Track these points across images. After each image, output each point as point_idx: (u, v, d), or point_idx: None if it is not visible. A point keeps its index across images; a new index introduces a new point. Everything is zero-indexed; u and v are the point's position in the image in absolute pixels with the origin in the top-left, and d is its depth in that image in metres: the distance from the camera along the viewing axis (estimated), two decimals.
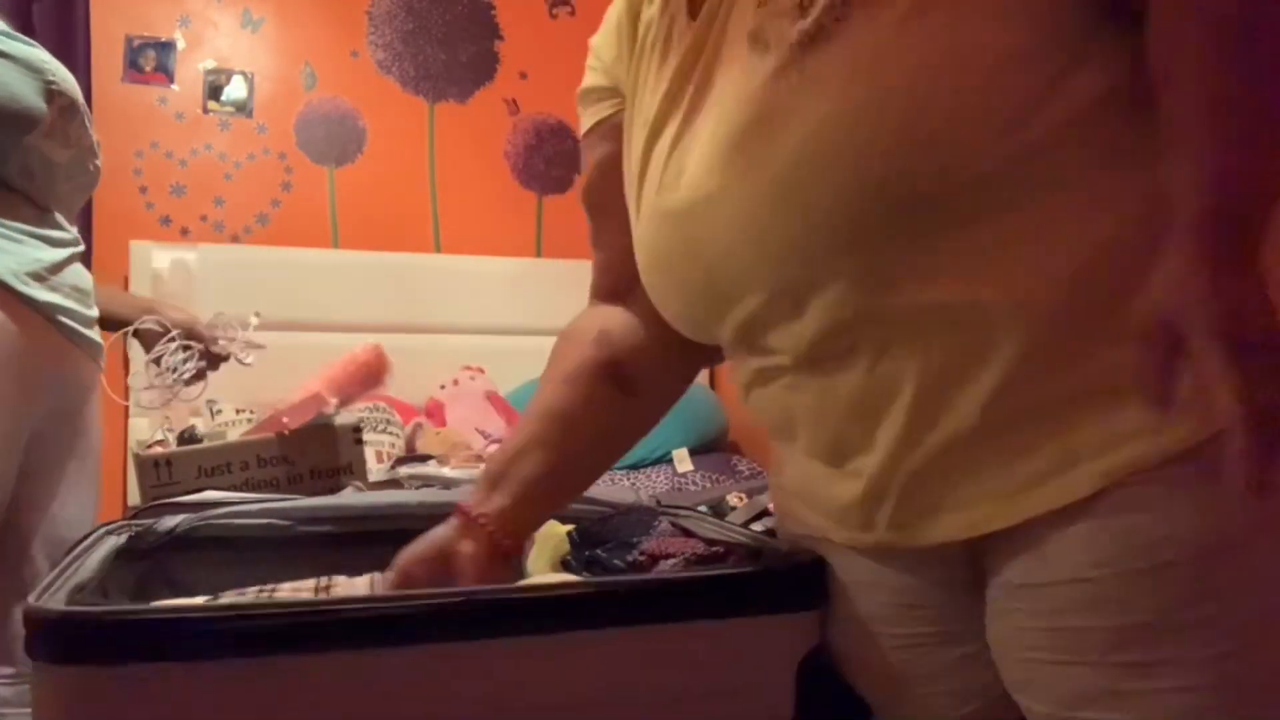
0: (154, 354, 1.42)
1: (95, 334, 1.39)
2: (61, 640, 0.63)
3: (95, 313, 1.40)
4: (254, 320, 1.57)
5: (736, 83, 0.73)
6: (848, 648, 0.83)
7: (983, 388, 0.66)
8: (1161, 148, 0.60)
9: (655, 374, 0.91)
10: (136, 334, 1.48)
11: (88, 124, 1.34)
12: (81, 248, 1.38)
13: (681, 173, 0.76)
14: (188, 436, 1.40)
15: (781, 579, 0.83)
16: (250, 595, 0.82)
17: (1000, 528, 0.68)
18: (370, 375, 1.66)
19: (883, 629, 0.79)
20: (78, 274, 1.35)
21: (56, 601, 0.66)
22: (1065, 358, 0.64)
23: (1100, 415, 0.63)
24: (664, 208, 0.78)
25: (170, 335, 1.43)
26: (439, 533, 0.84)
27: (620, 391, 0.90)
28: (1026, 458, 0.66)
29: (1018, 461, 0.66)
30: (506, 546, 0.84)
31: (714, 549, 0.90)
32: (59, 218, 1.34)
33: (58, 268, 1.29)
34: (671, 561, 0.89)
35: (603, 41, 0.91)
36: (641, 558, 0.91)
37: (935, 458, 0.69)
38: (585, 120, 0.93)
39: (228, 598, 0.82)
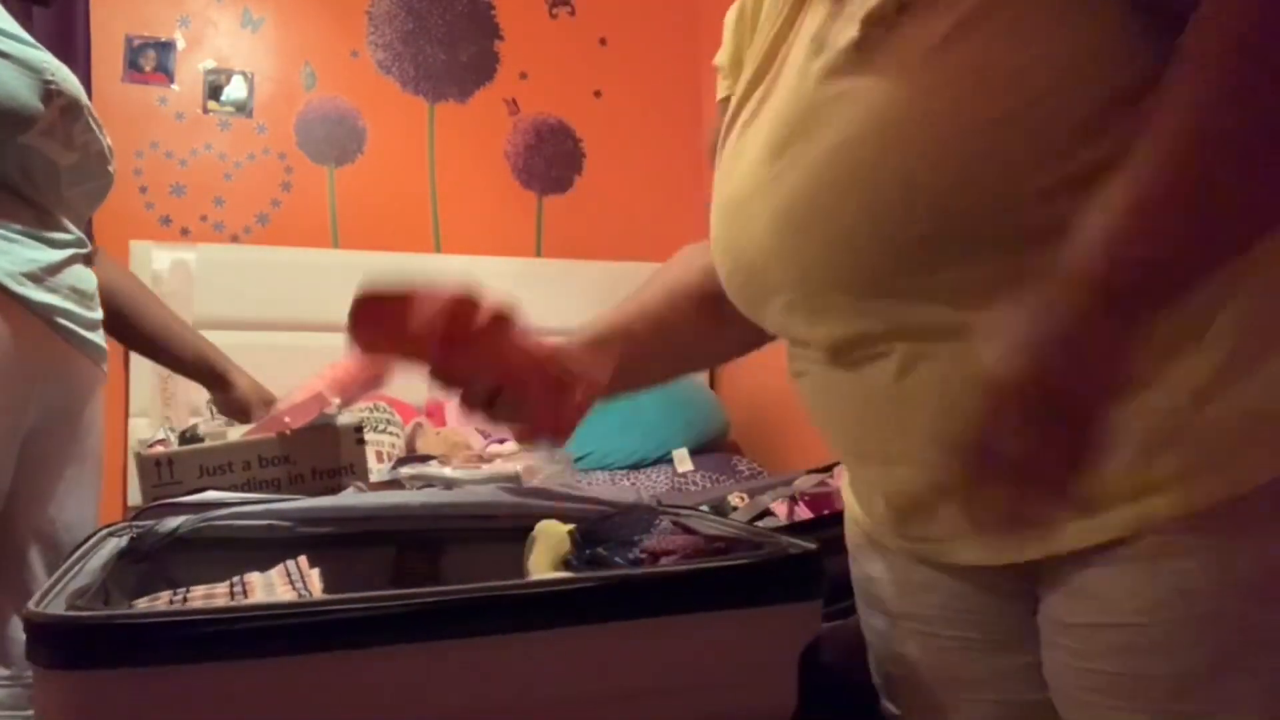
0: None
1: (97, 337, 1.38)
2: (62, 645, 0.63)
3: (98, 315, 1.39)
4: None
5: (790, 84, 0.71)
6: (894, 648, 0.82)
7: None
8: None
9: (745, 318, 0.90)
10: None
11: (96, 128, 1.34)
12: (85, 249, 1.37)
13: (737, 166, 0.75)
14: (190, 436, 1.40)
15: (781, 570, 0.83)
16: (163, 601, 0.80)
17: (1022, 560, 0.68)
18: (373, 375, 1.67)
19: (930, 629, 0.78)
20: (78, 275, 1.34)
21: (56, 606, 0.66)
22: None
23: (1129, 459, 0.62)
24: (722, 197, 0.77)
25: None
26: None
27: (715, 323, 0.89)
28: None
29: None
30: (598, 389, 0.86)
31: (715, 545, 0.90)
32: (63, 220, 1.33)
33: (55, 269, 1.29)
34: (673, 558, 0.89)
35: (731, 13, 0.87)
36: (643, 555, 0.91)
37: (955, 481, 0.67)
38: (719, 89, 0.91)
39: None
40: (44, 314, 1.25)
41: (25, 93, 1.21)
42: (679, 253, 0.96)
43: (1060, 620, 0.68)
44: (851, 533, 0.88)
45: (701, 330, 0.92)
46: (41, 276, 1.26)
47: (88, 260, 1.38)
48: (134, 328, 1.61)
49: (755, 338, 0.90)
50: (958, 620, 0.77)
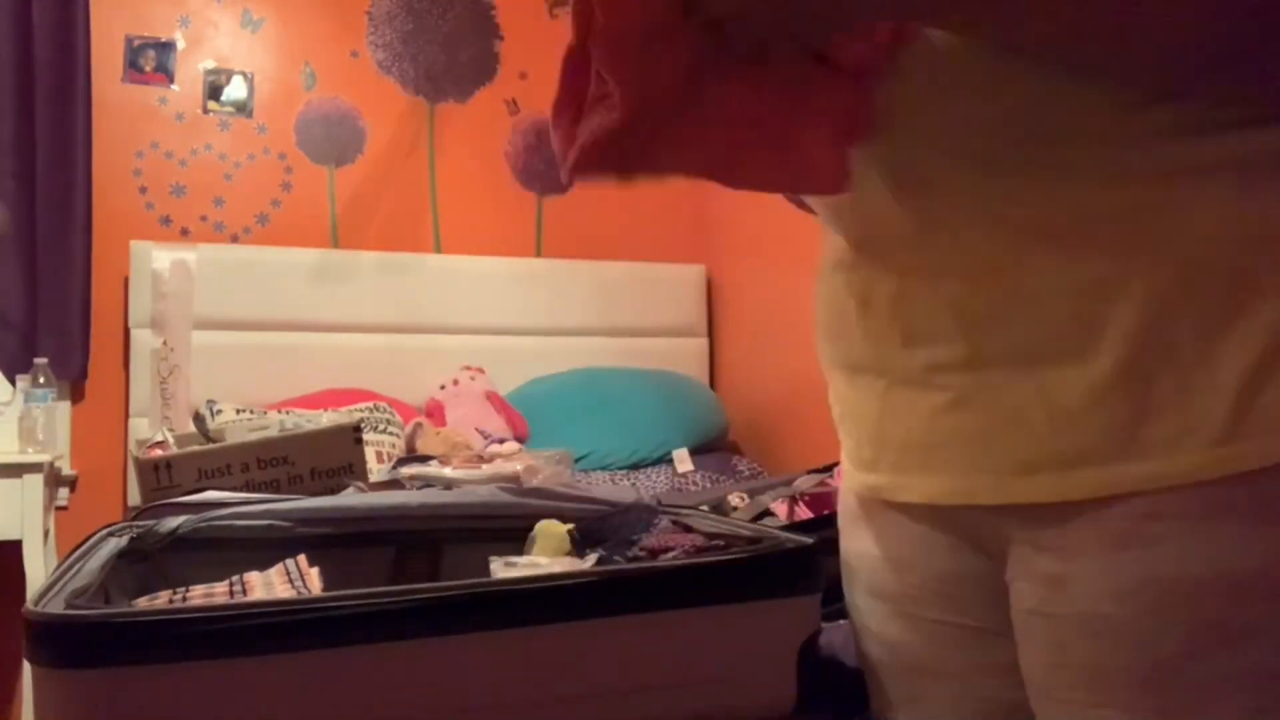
0: None
1: None
2: (61, 645, 0.63)
3: None
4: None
5: None
6: (875, 628, 0.81)
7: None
8: None
9: None
10: None
11: None
12: None
13: None
14: (200, 416, 1.39)
15: (779, 565, 0.83)
16: (162, 600, 0.80)
17: (979, 504, 0.67)
18: None
19: (911, 610, 0.77)
20: None
21: (56, 606, 0.66)
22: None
23: (1109, 421, 0.61)
24: None
25: None
26: None
27: None
28: (1019, 442, 0.64)
29: (1010, 444, 0.65)
30: None
31: (715, 542, 0.90)
32: None
33: None
34: (673, 554, 0.89)
35: None
36: (642, 553, 0.91)
37: (938, 412, 0.68)
38: None
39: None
40: None
41: None
42: None
43: (1031, 610, 0.67)
44: (843, 505, 0.86)
45: None
46: None
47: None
48: None
49: None
50: (938, 601, 0.76)
